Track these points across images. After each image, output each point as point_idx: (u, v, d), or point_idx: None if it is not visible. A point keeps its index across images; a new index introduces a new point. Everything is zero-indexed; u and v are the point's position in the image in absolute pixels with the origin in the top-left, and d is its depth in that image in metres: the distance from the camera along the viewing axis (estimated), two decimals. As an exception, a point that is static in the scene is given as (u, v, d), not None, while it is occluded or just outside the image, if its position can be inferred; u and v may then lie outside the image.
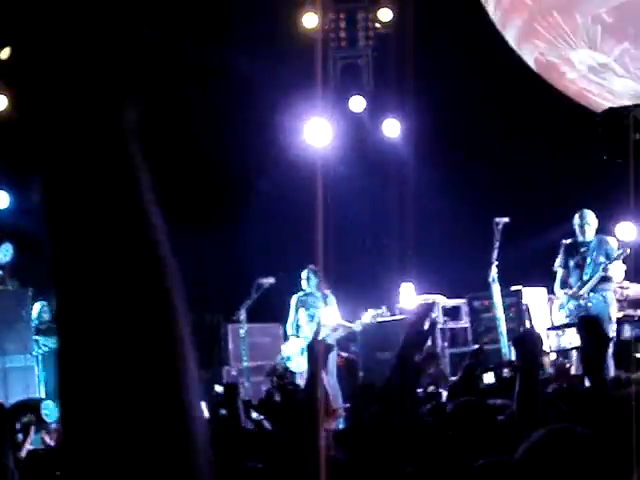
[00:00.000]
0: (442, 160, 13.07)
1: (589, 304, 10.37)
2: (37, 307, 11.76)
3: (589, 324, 3.62)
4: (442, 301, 12.16)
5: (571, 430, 2.27)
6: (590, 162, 11.87)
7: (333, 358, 10.40)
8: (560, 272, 10.66)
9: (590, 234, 10.56)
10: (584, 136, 11.61)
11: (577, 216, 10.61)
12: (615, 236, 11.28)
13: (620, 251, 10.50)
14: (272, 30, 13.25)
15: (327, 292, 11.69)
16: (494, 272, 10.72)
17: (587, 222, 10.53)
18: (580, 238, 10.57)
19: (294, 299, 11.86)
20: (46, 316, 11.77)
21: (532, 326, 4.15)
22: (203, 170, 14.70)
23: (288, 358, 11.58)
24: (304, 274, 11.79)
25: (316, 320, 11.60)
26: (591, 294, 10.39)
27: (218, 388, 7.02)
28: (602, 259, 10.42)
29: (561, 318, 10.57)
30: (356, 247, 11.93)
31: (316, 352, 5.12)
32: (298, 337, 11.68)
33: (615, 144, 10.53)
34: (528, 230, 11.98)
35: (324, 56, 10.45)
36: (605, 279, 10.41)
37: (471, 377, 5.63)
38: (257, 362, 11.86)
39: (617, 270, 10.76)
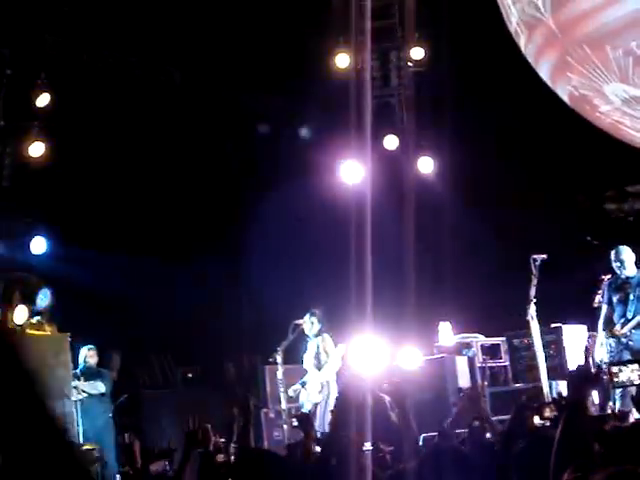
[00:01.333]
0: (478, 197, 13.00)
1: (630, 342, 10.24)
2: (83, 352, 11.75)
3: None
4: (481, 339, 12.05)
5: (633, 473, 2.21)
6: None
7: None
8: (604, 309, 10.52)
9: (630, 270, 10.46)
10: (623, 174, 11.54)
11: (613, 253, 10.52)
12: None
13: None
14: (305, 71, 13.29)
15: (321, 338, 11.38)
16: (532, 309, 10.61)
17: (622, 258, 10.43)
18: (622, 275, 10.46)
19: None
20: (92, 361, 11.75)
21: (588, 364, 4.09)
22: (234, 213, 14.73)
23: (302, 404, 11.44)
24: (306, 318, 11.53)
25: (305, 367, 11.42)
26: (633, 331, 10.26)
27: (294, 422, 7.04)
28: (644, 295, 10.30)
29: (602, 355, 10.42)
30: (391, 285, 11.84)
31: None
32: (304, 385, 11.52)
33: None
34: (566, 267, 11.85)
35: (357, 95, 10.47)
36: (648, 316, 10.28)
37: (523, 417, 5.56)
38: (295, 404, 11.76)
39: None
